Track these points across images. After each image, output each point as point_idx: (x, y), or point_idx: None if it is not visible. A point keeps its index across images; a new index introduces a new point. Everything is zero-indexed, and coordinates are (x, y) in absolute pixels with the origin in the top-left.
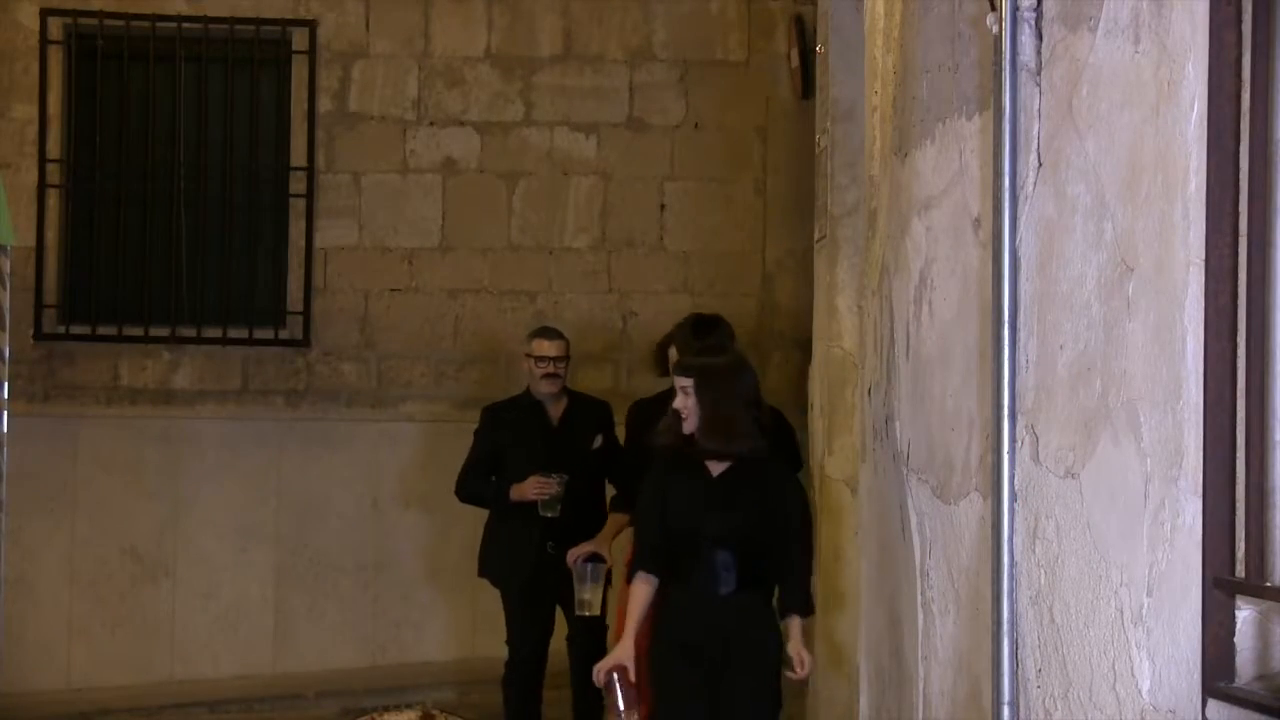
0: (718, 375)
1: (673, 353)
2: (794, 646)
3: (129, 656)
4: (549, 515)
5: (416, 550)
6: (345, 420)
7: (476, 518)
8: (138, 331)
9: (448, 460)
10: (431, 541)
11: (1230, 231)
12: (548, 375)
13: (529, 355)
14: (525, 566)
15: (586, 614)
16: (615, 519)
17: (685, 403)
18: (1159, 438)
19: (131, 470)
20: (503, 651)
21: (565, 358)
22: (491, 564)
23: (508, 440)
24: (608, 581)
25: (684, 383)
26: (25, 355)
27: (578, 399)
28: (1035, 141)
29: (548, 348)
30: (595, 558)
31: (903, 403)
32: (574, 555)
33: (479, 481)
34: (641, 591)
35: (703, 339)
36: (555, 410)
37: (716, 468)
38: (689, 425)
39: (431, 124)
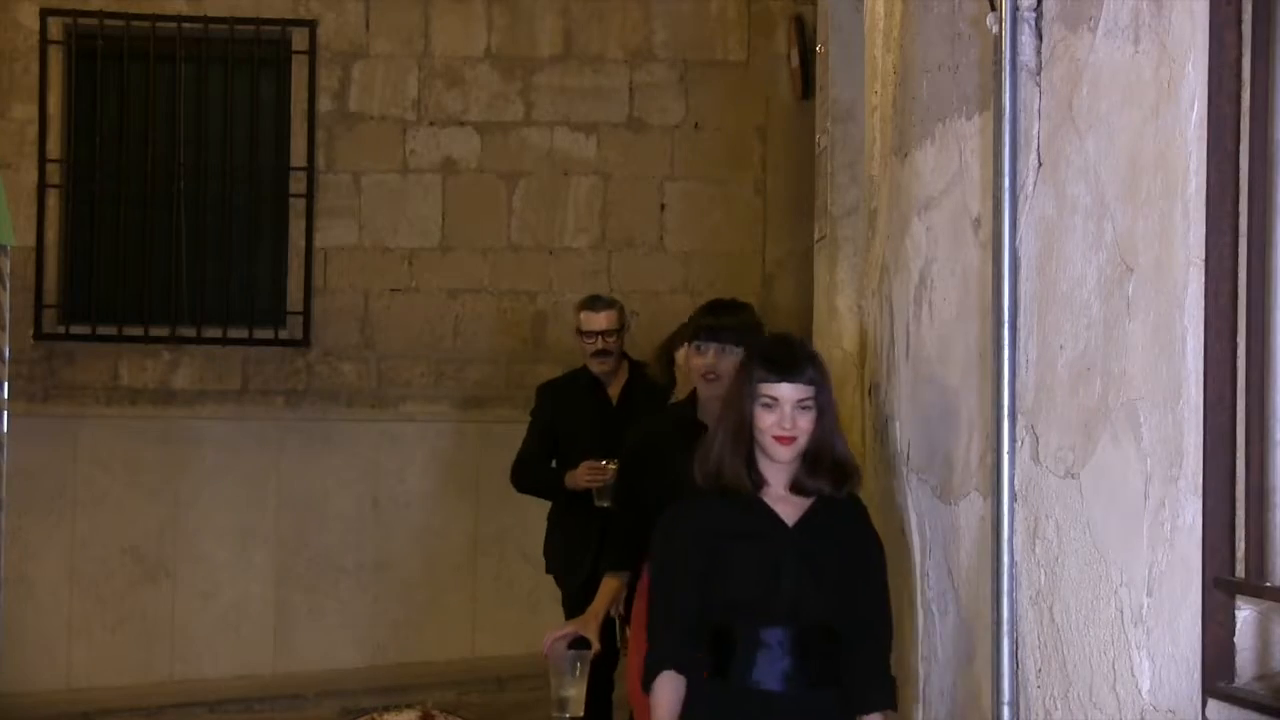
0: (827, 376)
1: (681, 355)
2: None
3: (129, 656)
4: (604, 505)
5: (416, 550)
6: (345, 420)
7: (476, 518)
8: (138, 331)
9: (447, 460)
10: (431, 541)
11: (1230, 231)
12: (597, 352)
13: (577, 330)
14: (584, 564)
15: (567, 717)
16: (608, 584)
17: (795, 422)
18: (1159, 438)
19: (131, 470)
20: (503, 651)
21: (617, 330)
22: (553, 560)
23: (563, 422)
24: (607, 664)
25: (788, 391)
26: (25, 355)
27: (640, 373)
28: (1035, 141)
29: (594, 320)
30: (579, 642)
31: (903, 403)
32: (552, 639)
33: (537, 468)
34: (666, 700)
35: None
36: (614, 387)
37: (791, 511)
38: (786, 452)
39: (431, 124)
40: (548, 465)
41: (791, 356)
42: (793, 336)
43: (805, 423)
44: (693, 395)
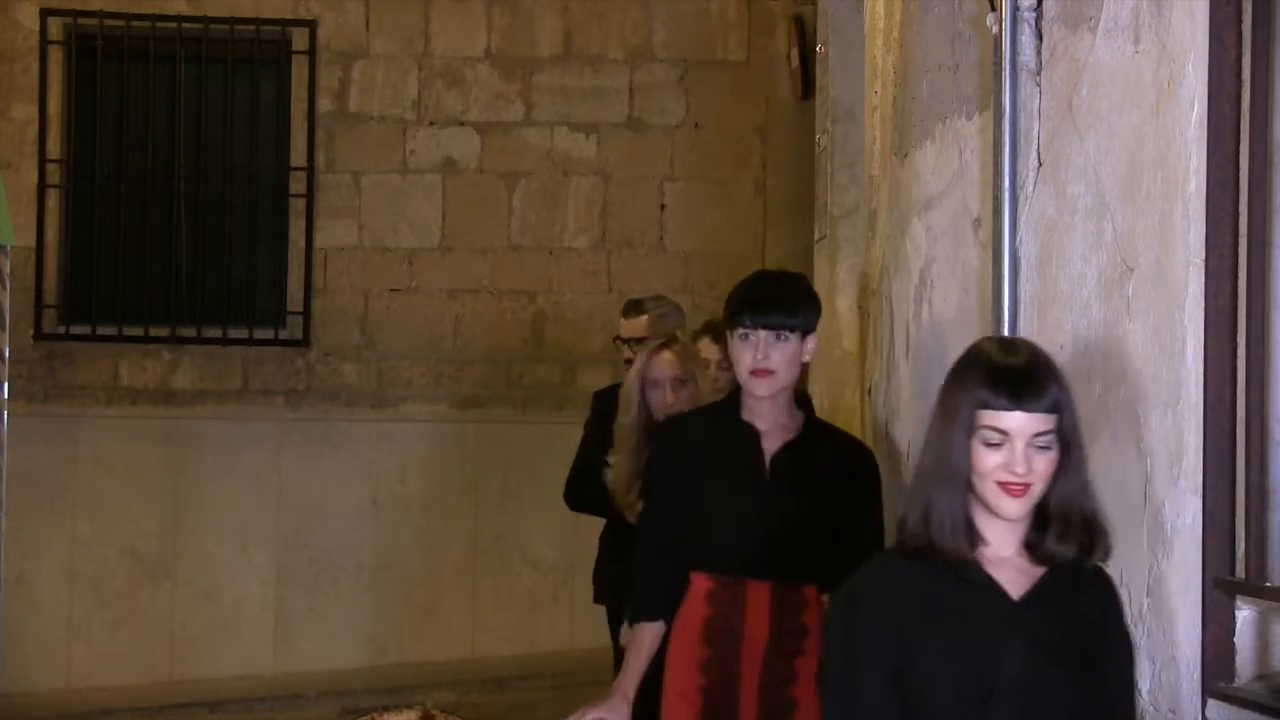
0: (1072, 397)
1: (704, 347)
2: None
3: (129, 656)
4: None
5: (416, 550)
6: (345, 420)
7: (476, 517)
8: (138, 331)
9: (448, 460)
10: (431, 541)
11: (1230, 231)
12: (628, 361)
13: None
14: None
15: None
16: (641, 641)
17: (1030, 465)
18: (1159, 438)
19: (131, 470)
20: (503, 651)
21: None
22: (605, 591)
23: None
24: None
25: (1022, 423)
26: (25, 355)
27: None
28: (1035, 141)
29: (627, 327)
30: None
31: (903, 403)
32: None
33: (595, 482)
34: None
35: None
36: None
37: (1017, 581)
38: (1017, 507)
39: (431, 124)
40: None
41: (1027, 373)
42: (1020, 340)
43: (1044, 465)
44: (734, 393)
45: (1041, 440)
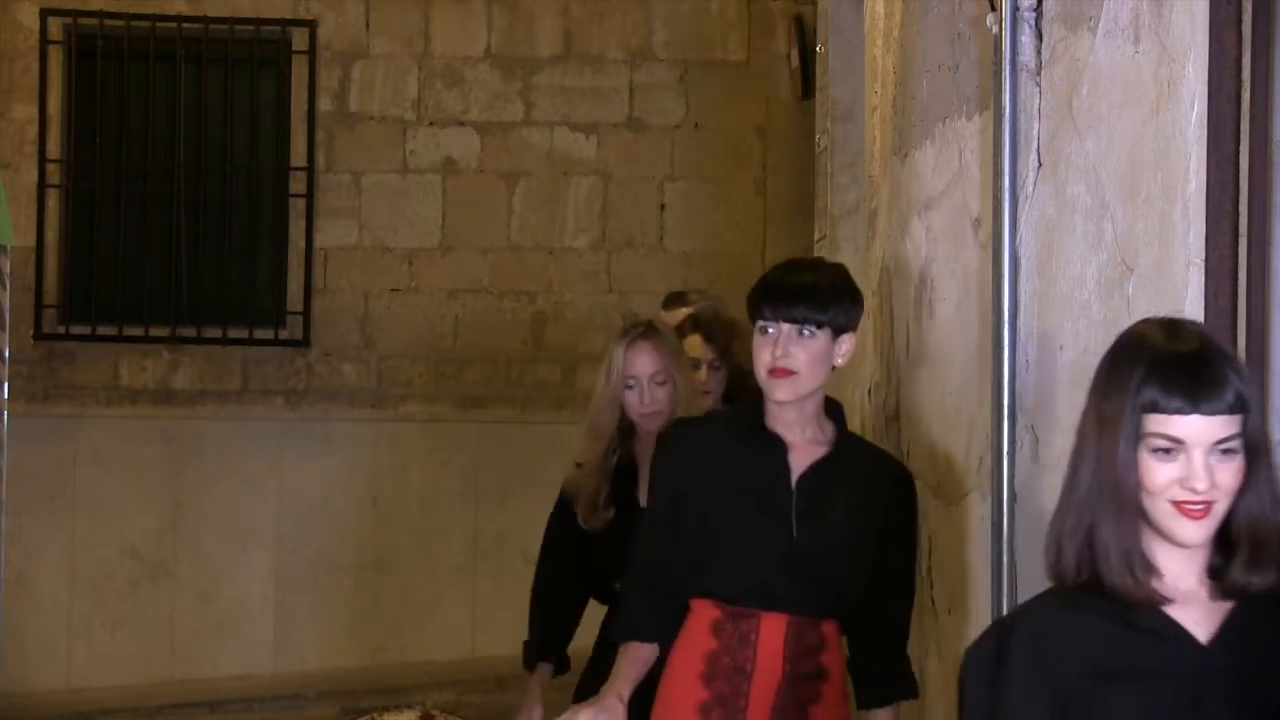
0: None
1: (694, 345)
2: None
3: (129, 656)
4: None
5: (416, 550)
6: (345, 420)
7: (476, 517)
8: (138, 331)
9: (448, 460)
10: (431, 541)
11: (1230, 231)
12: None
13: None
14: None
15: None
16: (634, 654)
17: (1211, 478)
18: None
19: (131, 470)
20: (503, 651)
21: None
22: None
23: None
24: None
25: (1202, 429)
26: (25, 355)
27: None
28: (1035, 141)
29: (667, 319)
30: None
31: (903, 403)
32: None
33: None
34: None
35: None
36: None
37: (1203, 621)
38: (1197, 531)
39: (431, 124)
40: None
41: (1204, 366)
42: (1186, 321)
43: (1227, 477)
44: (759, 398)
45: (1227, 447)
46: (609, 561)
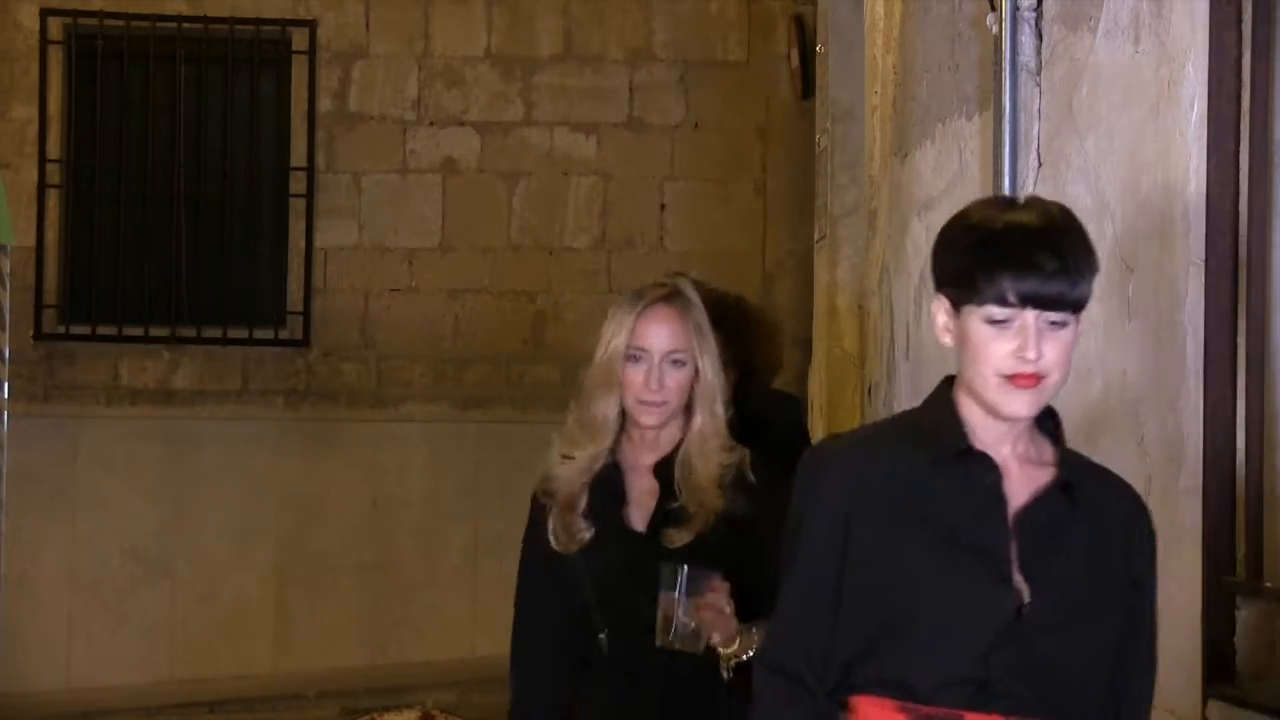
0: None
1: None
2: None
3: (129, 656)
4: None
5: (416, 550)
6: (345, 420)
7: (476, 517)
8: (138, 331)
9: (448, 460)
10: (431, 541)
11: (1230, 231)
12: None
13: None
14: None
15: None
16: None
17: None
18: (1159, 438)
19: (131, 470)
20: (503, 651)
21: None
22: None
23: None
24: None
25: None
26: (25, 355)
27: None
28: (1035, 141)
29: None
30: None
31: (903, 403)
32: None
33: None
34: None
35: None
36: None
37: None
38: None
39: (431, 124)
40: None
41: None
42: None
43: None
44: (943, 398)
45: None
46: (580, 599)
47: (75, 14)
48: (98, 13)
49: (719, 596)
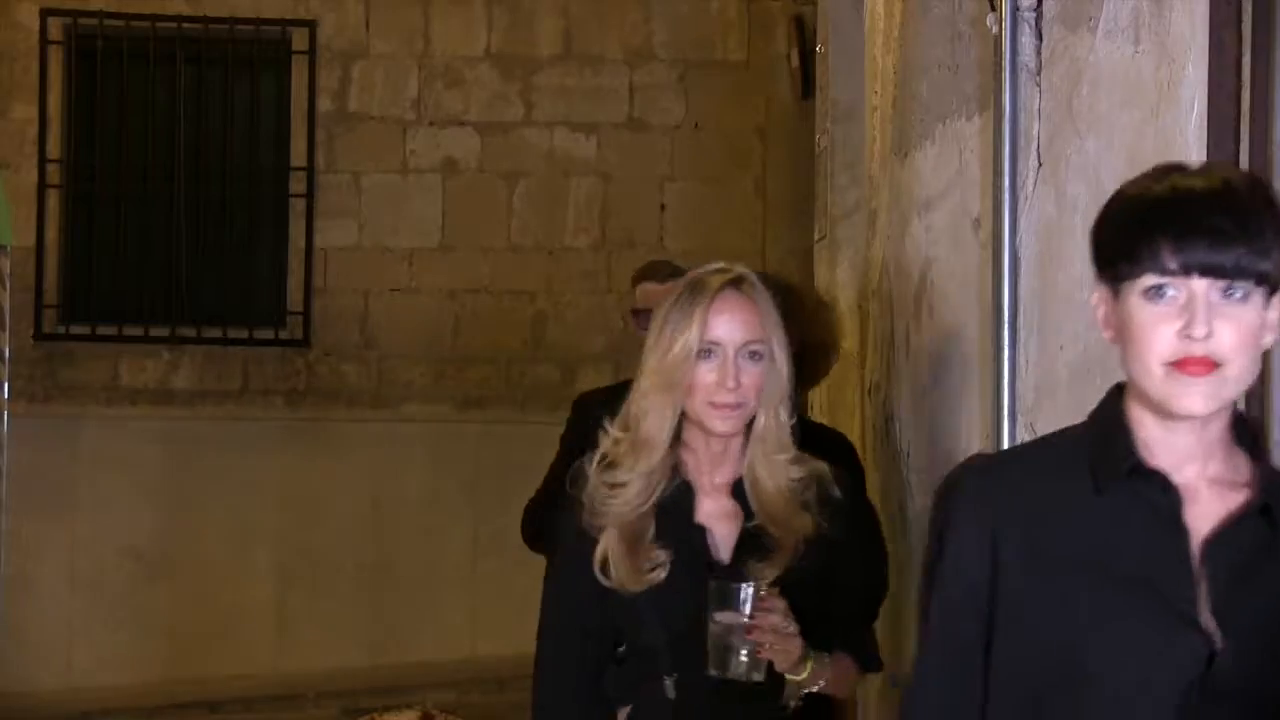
0: None
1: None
2: None
3: (129, 656)
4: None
5: (416, 550)
6: (345, 420)
7: (476, 518)
8: (138, 331)
9: (448, 460)
10: (431, 541)
11: None
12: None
13: (631, 311)
14: None
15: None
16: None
17: None
18: None
19: (131, 470)
20: (503, 651)
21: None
22: None
23: None
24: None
25: None
26: (25, 355)
27: None
28: (1035, 141)
29: (654, 294)
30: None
31: (903, 403)
32: None
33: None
34: None
35: None
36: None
37: None
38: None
39: (431, 124)
40: None
41: None
42: None
43: None
44: (1113, 405)
45: None
46: (643, 641)
47: (75, 14)
48: (98, 13)
49: (777, 616)
